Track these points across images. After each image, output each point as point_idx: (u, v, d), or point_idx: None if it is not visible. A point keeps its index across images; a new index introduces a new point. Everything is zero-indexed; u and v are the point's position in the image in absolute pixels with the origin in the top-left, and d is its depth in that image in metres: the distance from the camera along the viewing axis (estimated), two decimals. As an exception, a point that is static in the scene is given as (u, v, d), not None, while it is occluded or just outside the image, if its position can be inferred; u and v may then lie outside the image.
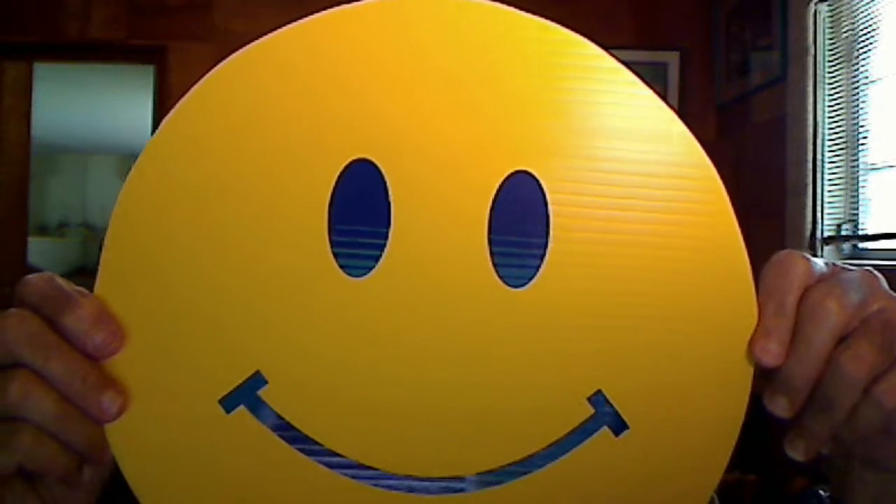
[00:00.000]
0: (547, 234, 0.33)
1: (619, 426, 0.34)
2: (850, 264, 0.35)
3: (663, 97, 0.34)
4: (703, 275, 0.34)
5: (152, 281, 0.33)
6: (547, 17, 0.33)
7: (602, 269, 0.33)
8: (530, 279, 0.33)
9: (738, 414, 0.34)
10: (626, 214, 0.34)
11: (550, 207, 0.33)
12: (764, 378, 0.34)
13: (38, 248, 4.82)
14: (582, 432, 0.34)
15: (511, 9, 0.33)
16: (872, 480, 0.37)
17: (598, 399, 0.34)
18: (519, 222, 0.33)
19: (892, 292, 0.34)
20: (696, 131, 0.34)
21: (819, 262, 0.35)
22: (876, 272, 0.35)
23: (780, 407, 0.33)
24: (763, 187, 2.27)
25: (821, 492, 1.52)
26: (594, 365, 0.34)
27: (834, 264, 0.35)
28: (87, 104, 5.18)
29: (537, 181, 0.33)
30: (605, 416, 0.34)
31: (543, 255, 0.33)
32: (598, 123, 0.34)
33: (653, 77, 2.67)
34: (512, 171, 0.33)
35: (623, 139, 0.34)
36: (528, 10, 0.33)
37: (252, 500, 0.33)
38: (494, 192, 0.33)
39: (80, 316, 0.32)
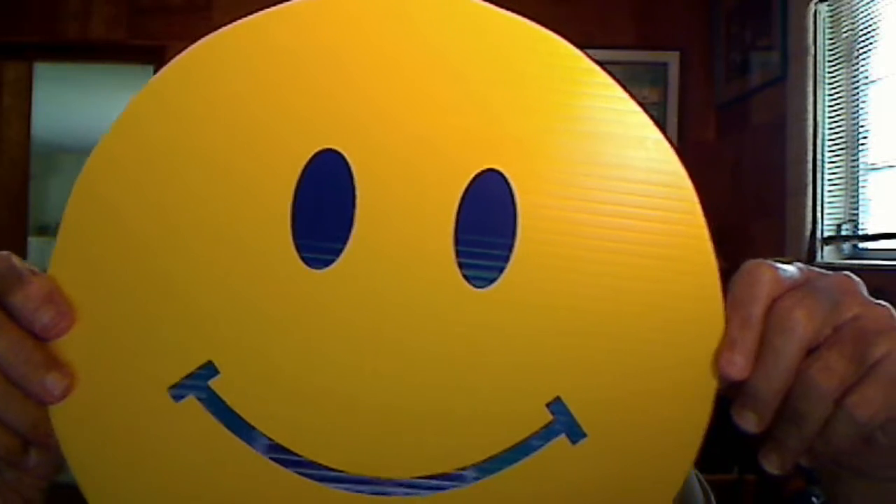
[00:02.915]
0: (514, 234, 0.32)
1: (576, 434, 0.33)
2: (850, 264, 0.35)
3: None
4: (671, 283, 0.33)
5: (106, 263, 0.32)
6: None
7: (568, 273, 0.33)
8: (494, 280, 0.33)
9: (700, 427, 0.33)
10: (596, 219, 0.33)
11: (518, 208, 0.32)
12: (731, 387, 0.33)
13: (38, 248, 4.82)
14: (538, 438, 0.33)
15: (489, 6, 0.33)
16: (862, 489, 0.36)
17: (557, 406, 0.33)
18: (486, 221, 0.32)
19: (870, 298, 0.33)
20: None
21: (790, 270, 0.33)
22: (854, 277, 0.33)
23: (748, 421, 0.32)
24: (763, 187, 2.27)
25: (813, 498, 1.52)
26: (555, 371, 0.33)
27: (809, 270, 0.34)
28: (87, 104, 5.17)
29: (507, 180, 0.32)
30: (563, 423, 0.33)
31: (509, 256, 0.32)
32: (573, 125, 0.33)
33: (653, 77, 2.67)
34: (482, 168, 0.32)
35: (597, 142, 0.33)
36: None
37: (199, 494, 0.33)
38: (463, 189, 0.32)
39: (28, 294, 0.31)
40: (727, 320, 0.33)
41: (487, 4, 0.33)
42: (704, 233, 0.33)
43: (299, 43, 0.32)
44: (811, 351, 0.32)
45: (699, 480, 0.53)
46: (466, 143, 0.32)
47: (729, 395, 0.33)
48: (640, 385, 0.33)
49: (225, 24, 0.32)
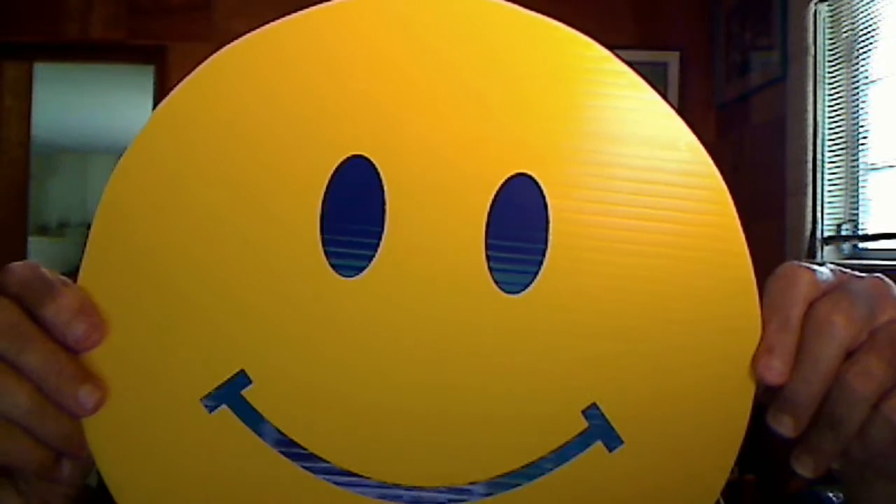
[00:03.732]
0: (546, 239, 0.32)
1: (613, 441, 0.33)
2: (851, 264, 0.35)
3: (663, 97, 0.33)
4: (706, 286, 0.32)
5: (137, 273, 0.32)
6: (547, 17, 0.33)
7: (602, 278, 0.32)
8: (527, 286, 0.32)
9: (738, 433, 0.33)
10: (629, 222, 0.32)
11: (550, 212, 0.32)
12: (767, 389, 0.33)
13: (38, 248, 4.82)
14: (574, 446, 0.33)
15: (517, 7, 0.33)
16: (888, 491, 0.35)
17: (592, 412, 0.32)
18: (517, 227, 0.32)
19: None
20: (696, 131, 0.33)
21: (825, 272, 0.33)
22: (887, 279, 0.33)
23: (785, 426, 0.32)
24: (763, 187, 2.27)
25: (830, 495, 1.51)
26: (590, 377, 0.32)
27: (842, 272, 0.34)
28: (87, 104, 5.18)
29: (538, 184, 0.32)
30: (599, 430, 0.33)
31: (541, 262, 0.32)
32: (603, 128, 0.32)
33: (653, 77, 2.66)
34: (512, 173, 0.32)
35: (628, 144, 0.32)
36: (528, 9, 0.33)
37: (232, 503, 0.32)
38: (493, 194, 0.32)
39: (60, 306, 0.31)
40: (764, 323, 0.32)
41: (510, 4, 0.33)
42: (739, 234, 0.33)
43: (310, 54, 0.32)
44: (848, 355, 0.32)
45: None
46: (495, 147, 0.32)
47: (763, 400, 0.33)
48: (677, 390, 0.33)
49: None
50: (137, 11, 2.70)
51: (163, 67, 2.69)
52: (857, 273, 0.34)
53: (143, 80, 2.98)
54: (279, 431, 0.32)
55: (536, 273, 0.32)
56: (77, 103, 5.14)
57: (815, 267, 0.33)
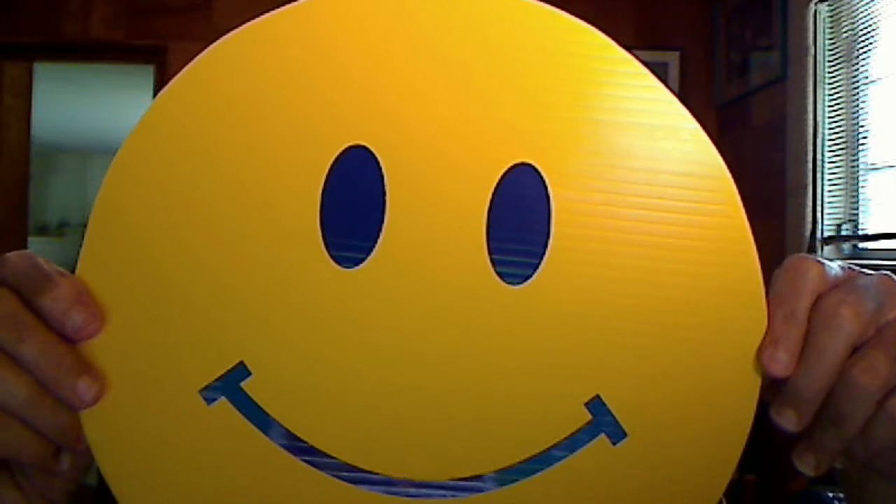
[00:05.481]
0: (548, 229, 0.32)
1: (617, 434, 0.32)
2: (851, 264, 0.34)
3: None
4: (711, 278, 0.32)
5: (135, 263, 0.32)
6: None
7: (605, 268, 0.32)
8: (529, 276, 0.32)
9: (744, 426, 0.33)
10: (633, 212, 0.32)
11: (552, 202, 0.32)
12: (771, 386, 0.32)
13: (38, 248, 4.80)
14: (577, 439, 0.32)
15: None
16: (888, 493, 0.35)
17: (596, 405, 0.32)
18: (519, 216, 0.32)
19: None
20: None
21: (834, 267, 0.33)
22: (895, 277, 0.33)
23: (788, 420, 0.32)
24: (763, 187, 2.27)
25: (830, 495, 1.51)
26: (593, 369, 0.32)
27: (850, 268, 0.33)
28: (87, 104, 5.17)
29: (540, 174, 0.32)
30: (602, 422, 0.32)
31: (543, 252, 0.32)
32: (605, 116, 0.32)
33: (653, 77, 2.66)
34: (514, 162, 0.32)
35: (630, 134, 0.32)
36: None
37: (230, 496, 0.32)
38: (495, 183, 0.32)
39: (57, 296, 0.30)
40: (770, 315, 0.32)
41: None
42: (744, 225, 0.33)
43: (308, 44, 0.32)
44: (854, 350, 0.31)
45: None
46: (497, 136, 0.32)
47: (766, 398, 0.33)
48: (682, 382, 0.32)
49: (225, 25, 0.32)
50: (137, 11, 2.70)
51: (163, 67, 2.69)
52: (865, 270, 0.33)
53: (143, 80, 2.97)
54: (279, 424, 0.32)
55: (539, 263, 0.32)
56: (77, 103, 5.14)
57: (824, 261, 0.33)
